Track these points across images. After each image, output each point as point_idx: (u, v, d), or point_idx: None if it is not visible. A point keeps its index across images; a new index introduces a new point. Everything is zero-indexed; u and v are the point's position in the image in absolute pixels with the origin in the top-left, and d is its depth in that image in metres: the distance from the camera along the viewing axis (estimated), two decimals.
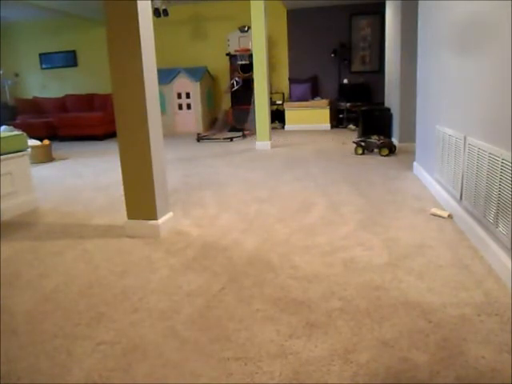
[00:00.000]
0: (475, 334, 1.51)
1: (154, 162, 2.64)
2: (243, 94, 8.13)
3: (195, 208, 3.28)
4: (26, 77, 9.84)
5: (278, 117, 8.42)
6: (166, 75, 8.09)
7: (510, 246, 1.81)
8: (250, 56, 7.42)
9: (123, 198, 2.75)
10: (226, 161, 5.31)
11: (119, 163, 2.69)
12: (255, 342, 1.53)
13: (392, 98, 5.94)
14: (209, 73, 8.70)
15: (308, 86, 8.27)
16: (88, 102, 8.79)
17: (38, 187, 4.10)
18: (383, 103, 7.11)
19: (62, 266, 2.30)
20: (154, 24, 2.65)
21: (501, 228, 1.91)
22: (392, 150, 5.05)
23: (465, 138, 2.48)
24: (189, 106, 8.40)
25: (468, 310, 1.66)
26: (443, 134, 2.99)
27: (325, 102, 8.07)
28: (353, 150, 5.43)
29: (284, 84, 8.70)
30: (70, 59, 9.55)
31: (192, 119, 8.44)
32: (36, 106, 8.97)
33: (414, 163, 4.17)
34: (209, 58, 8.83)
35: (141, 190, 2.67)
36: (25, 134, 3.56)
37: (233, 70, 8.36)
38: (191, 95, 8.31)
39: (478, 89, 2.27)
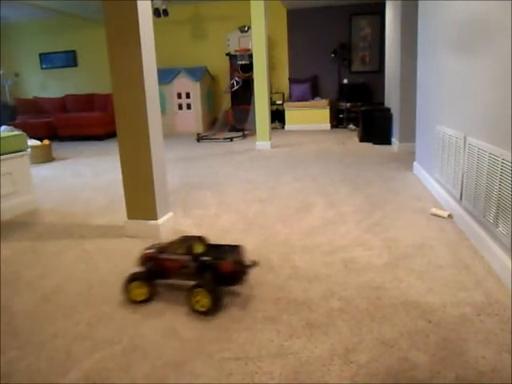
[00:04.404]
0: (475, 333, 1.51)
1: (154, 162, 2.64)
2: (243, 94, 8.14)
3: (195, 208, 3.28)
4: (26, 77, 9.84)
5: (277, 117, 8.42)
6: (166, 75, 8.09)
7: (509, 246, 1.81)
8: (250, 56, 7.42)
9: (123, 197, 2.75)
10: (225, 161, 5.31)
11: (119, 163, 2.69)
12: (255, 341, 1.53)
13: (392, 98, 5.94)
14: (209, 73, 8.71)
15: (308, 86, 8.27)
16: (88, 102, 8.80)
17: (38, 187, 4.10)
18: (383, 103, 7.11)
19: (62, 266, 2.30)
20: (154, 24, 2.65)
21: (501, 228, 1.91)
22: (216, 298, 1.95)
23: (465, 138, 2.48)
24: (189, 106, 8.40)
25: (468, 310, 1.67)
26: (443, 134, 2.99)
27: (325, 102, 8.07)
28: (351, 150, 5.43)
29: (284, 84, 8.71)
30: (70, 59, 9.55)
31: (192, 119, 8.44)
32: (36, 106, 8.97)
33: (414, 163, 4.17)
34: (209, 57, 8.83)
35: (141, 190, 2.67)
36: (25, 134, 3.56)
37: (233, 70, 8.36)
38: (191, 95, 8.32)
39: (478, 89, 2.27)
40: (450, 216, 2.75)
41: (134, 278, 1.85)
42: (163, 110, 8.22)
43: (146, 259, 1.91)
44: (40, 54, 9.63)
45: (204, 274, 1.75)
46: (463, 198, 2.52)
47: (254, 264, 1.85)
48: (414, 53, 4.20)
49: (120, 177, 2.72)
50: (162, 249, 1.90)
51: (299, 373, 1.36)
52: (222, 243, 1.95)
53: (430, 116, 3.53)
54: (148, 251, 1.92)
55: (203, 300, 1.68)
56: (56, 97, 9.14)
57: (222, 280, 1.76)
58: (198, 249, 1.85)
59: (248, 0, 5.78)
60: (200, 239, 1.89)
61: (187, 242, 1.86)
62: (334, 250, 2.33)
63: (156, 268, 1.88)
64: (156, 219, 2.68)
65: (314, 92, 8.45)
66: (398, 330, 1.56)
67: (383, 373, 1.34)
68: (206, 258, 1.78)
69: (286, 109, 8.23)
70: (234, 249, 1.86)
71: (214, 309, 1.69)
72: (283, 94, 8.56)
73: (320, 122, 8.12)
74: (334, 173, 4.28)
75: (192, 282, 1.74)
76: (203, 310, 1.69)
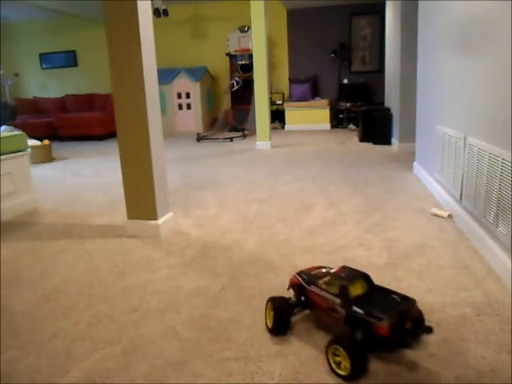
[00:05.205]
0: (475, 333, 1.51)
1: (154, 162, 2.64)
2: (243, 94, 8.14)
3: (195, 208, 3.28)
4: (26, 77, 9.84)
5: (277, 117, 8.43)
6: (166, 75, 8.09)
7: (509, 246, 1.81)
8: (250, 56, 7.42)
9: (123, 197, 2.75)
10: (225, 161, 5.31)
11: (119, 163, 2.69)
12: (255, 341, 1.53)
13: (392, 98, 5.94)
14: (209, 73, 8.71)
15: (308, 86, 8.27)
16: (88, 102, 8.80)
17: (37, 187, 4.10)
18: (383, 103, 7.11)
19: (62, 266, 2.30)
20: (154, 24, 2.65)
21: (501, 228, 1.91)
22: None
23: (465, 138, 2.48)
24: (189, 106, 8.40)
25: (468, 310, 1.66)
26: (443, 133, 2.99)
27: (325, 102, 8.07)
28: (351, 150, 5.42)
29: (284, 84, 8.71)
30: (70, 59, 9.55)
31: (192, 119, 8.44)
32: (36, 106, 8.97)
33: (414, 163, 4.17)
34: (209, 57, 8.83)
35: (141, 189, 2.67)
36: (25, 134, 3.56)
37: (233, 70, 8.36)
38: (191, 95, 8.32)
39: (478, 89, 2.27)
40: (450, 216, 2.75)
41: (270, 300, 1.60)
42: (163, 110, 8.22)
43: (291, 285, 1.66)
44: (40, 54, 9.63)
45: (353, 328, 1.37)
46: (463, 197, 2.52)
47: (429, 330, 1.38)
48: (414, 53, 4.20)
49: (120, 177, 2.72)
50: (314, 278, 1.58)
51: (299, 373, 1.36)
52: (392, 289, 1.50)
53: (430, 116, 3.53)
54: (297, 277, 1.64)
55: (343, 361, 1.31)
56: (56, 97, 9.15)
57: (376, 342, 1.33)
58: (357, 289, 1.46)
59: (248, 0, 5.79)
60: (364, 277, 1.51)
61: (345, 279, 1.48)
62: (334, 249, 2.33)
63: (301, 297, 1.60)
64: (156, 219, 2.68)
65: (314, 92, 8.45)
66: None
67: (383, 373, 1.34)
68: (358, 311, 1.37)
69: (286, 109, 8.23)
70: (405, 302, 1.41)
71: (354, 375, 1.30)
72: (283, 94, 8.56)
73: (320, 122, 8.12)
74: (334, 173, 4.27)
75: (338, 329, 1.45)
76: (342, 373, 1.31)
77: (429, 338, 1.49)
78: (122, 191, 2.76)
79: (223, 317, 1.71)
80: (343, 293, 1.44)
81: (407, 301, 1.42)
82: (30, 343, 1.60)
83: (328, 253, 2.30)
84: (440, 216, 2.78)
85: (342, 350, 1.30)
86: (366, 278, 1.52)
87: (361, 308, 1.37)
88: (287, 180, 4.07)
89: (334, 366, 1.34)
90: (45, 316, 1.79)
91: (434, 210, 2.85)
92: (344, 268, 1.58)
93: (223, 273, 2.12)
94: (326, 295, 1.49)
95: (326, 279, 1.54)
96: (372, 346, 1.35)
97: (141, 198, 2.69)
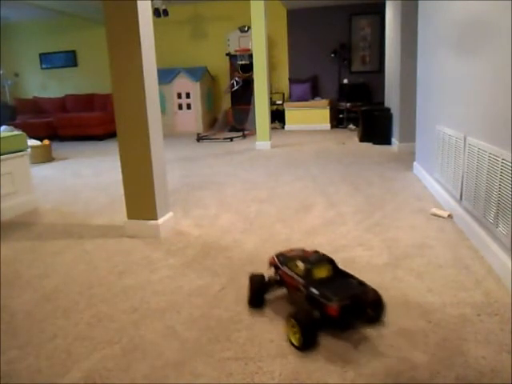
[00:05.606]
0: (475, 333, 1.51)
1: (154, 162, 2.64)
2: (243, 94, 8.14)
3: (195, 208, 3.28)
4: (26, 77, 9.84)
5: (277, 117, 8.42)
6: (166, 75, 8.09)
7: (509, 246, 1.81)
8: (250, 56, 7.42)
9: (123, 197, 2.75)
10: (225, 161, 5.31)
11: (119, 163, 2.69)
12: (255, 341, 1.53)
13: (392, 98, 5.94)
14: (209, 73, 8.71)
15: (308, 86, 8.27)
16: (88, 102, 8.79)
17: (37, 187, 4.10)
18: (383, 103, 7.11)
19: (62, 266, 2.30)
20: (154, 24, 2.65)
21: (501, 228, 1.91)
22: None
23: (465, 138, 2.48)
24: (189, 106, 8.40)
25: (468, 310, 1.67)
26: (443, 134, 2.99)
27: (325, 102, 8.07)
28: (351, 150, 5.42)
29: (284, 84, 8.70)
30: (69, 59, 9.55)
31: (192, 119, 8.44)
32: (36, 106, 8.97)
33: (414, 163, 4.17)
34: (209, 58, 8.83)
35: (141, 189, 2.67)
36: (25, 134, 3.56)
37: (233, 70, 8.36)
38: (191, 95, 8.32)
39: (478, 89, 2.27)
40: (449, 216, 2.75)
41: (250, 277, 1.77)
42: (163, 110, 8.22)
43: (269, 264, 1.83)
44: (40, 54, 9.63)
45: (311, 306, 1.52)
46: (463, 197, 2.52)
47: (379, 316, 1.59)
48: (414, 53, 4.20)
49: (120, 177, 2.72)
50: (287, 260, 1.74)
51: (299, 373, 1.36)
52: (352, 274, 1.66)
53: (430, 116, 3.53)
54: (273, 258, 1.81)
55: (298, 334, 1.46)
56: (56, 97, 9.14)
57: (329, 321, 1.48)
58: (322, 272, 1.61)
59: (248, 0, 5.79)
60: (330, 262, 1.66)
61: (311, 262, 1.63)
62: (334, 249, 2.33)
63: (276, 276, 1.76)
64: (156, 219, 2.68)
65: (314, 92, 8.45)
66: (398, 329, 1.56)
67: (383, 373, 1.34)
68: (314, 292, 1.53)
69: (286, 109, 8.23)
70: (361, 287, 1.58)
71: (304, 347, 1.46)
72: (283, 94, 8.56)
73: (320, 122, 8.12)
74: (334, 173, 4.27)
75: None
76: (296, 344, 1.47)
77: (430, 338, 1.49)
78: (122, 191, 2.76)
79: (223, 317, 1.71)
80: (306, 275, 1.61)
81: (363, 287, 1.58)
82: (30, 343, 1.60)
83: (328, 253, 2.27)
84: (440, 216, 2.78)
85: (296, 323, 1.46)
86: (331, 262, 1.67)
87: (317, 290, 1.53)
88: (287, 180, 4.07)
89: (291, 337, 1.49)
90: (45, 316, 1.79)
91: (434, 210, 2.85)
92: (315, 252, 1.74)
93: (223, 273, 2.12)
94: (294, 276, 1.65)
95: (297, 261, 1.68)
96: (325, 325, 1.51)
97: (141, 198, 2.69)
